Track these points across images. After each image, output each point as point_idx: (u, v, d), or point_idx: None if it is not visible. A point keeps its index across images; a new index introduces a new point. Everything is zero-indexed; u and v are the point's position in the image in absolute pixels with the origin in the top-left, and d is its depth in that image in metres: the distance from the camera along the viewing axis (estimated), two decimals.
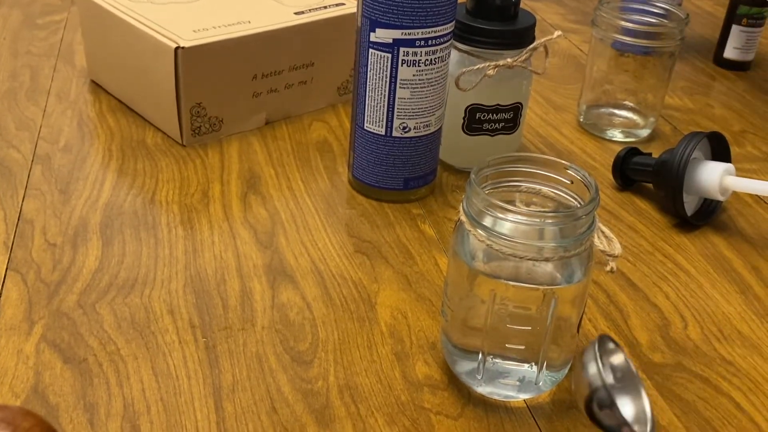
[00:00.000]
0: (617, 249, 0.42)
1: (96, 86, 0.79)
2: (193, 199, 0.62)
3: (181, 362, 0.47)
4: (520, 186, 0.45)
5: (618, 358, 0.40)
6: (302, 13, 0.73)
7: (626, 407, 0.38)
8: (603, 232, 0.43)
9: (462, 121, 0.66)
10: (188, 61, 0.65)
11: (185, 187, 0.64)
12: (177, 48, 0.65)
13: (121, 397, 0.45)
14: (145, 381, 0.46)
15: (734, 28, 0.93)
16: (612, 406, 0.36)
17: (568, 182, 0.44)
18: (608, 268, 0.42)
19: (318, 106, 0.77)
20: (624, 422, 0.36)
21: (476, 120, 0.66)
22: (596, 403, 0.37)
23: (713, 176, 0.61)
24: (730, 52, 0.94)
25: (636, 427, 0.36)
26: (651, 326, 0.53)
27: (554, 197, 0.44)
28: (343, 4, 0.76)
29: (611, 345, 0.40)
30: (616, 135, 0.76)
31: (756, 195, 0.68)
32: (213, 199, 0.63)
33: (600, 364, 0.37)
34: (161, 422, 0.43)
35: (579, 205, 0.43)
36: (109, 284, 0.53)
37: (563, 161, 0.44)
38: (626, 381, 0.39)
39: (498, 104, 0.65)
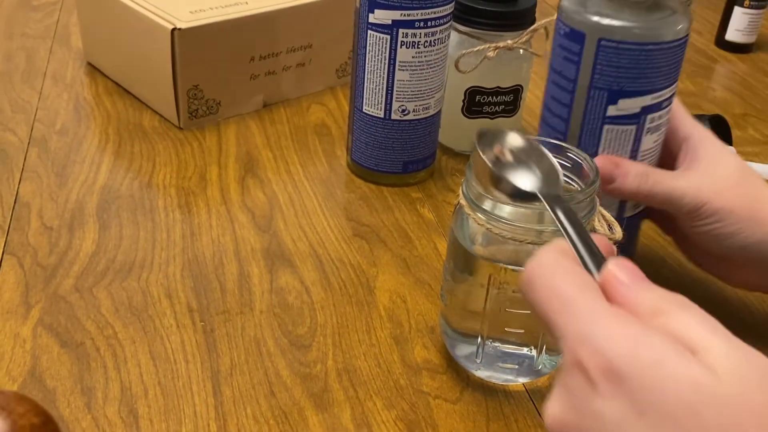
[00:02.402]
0: (618, 233, 0.42)
1: (92, 68, 0.78)
2: (190, 182, 0.62)
3: (179, 346, 0.47)
4: None
5: (511, 139, 0.39)
6: None
7: (533, 173, 0.37)
8: (603, 216, 0.43)
9: (462, 103, 0.65)
10: (185, 42, 0.65)
11: (182, 171, 0.63)
12: (173, 29, 0.64)
13: (119, 381, 0.44)
14: (142, 365, 0.46)
15: (736, 9, 0.92)
16: (505, 179, 0.37)
17: (569, 165, 0.43)
18: None
19: (316, 89, 0.77)
20: (518, 190, 0.36)
21: (476, 102, 0.65)
22: (494, 183, 0.37)
23: None
24: (732, 34, 0.93)
25: (544, 188, 0.36)
26: None
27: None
28: None
29: (507, 133, 0.39)
30: None
31: None
32: (210, 183, 0.62)
33: (481, 150, 0.37)
34: (159, 406, 0.43)
35: (579, 189, 0.42)
36: (106, 268, 0.53)
37: (564, 144, 0.43)
38: (527, 153, 0.38)
39: (498, 86, 0.64)
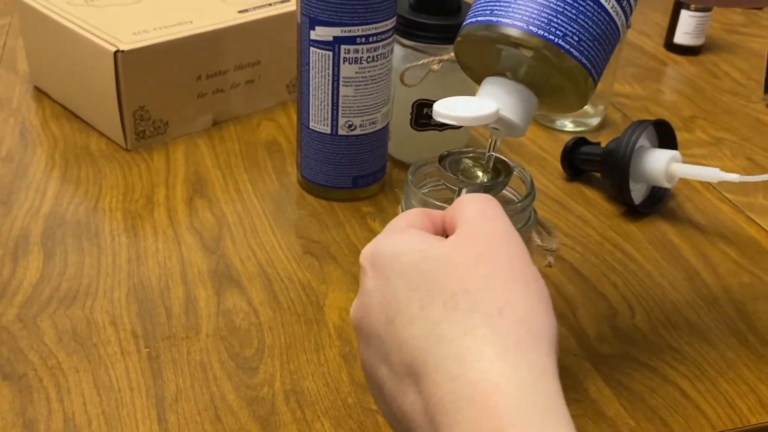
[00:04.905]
0: (554, 244, 0.42)
1: (39, 92, 0.77)
2: (137, 205, 0.61)
3: (123, 374, 0.46)
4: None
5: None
6: (246, 11, 0.72)
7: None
8: (542, 226, 0.43)
9: (410, 116, 0.65)
10: (129, 64, 0.64)
11: (129, 193, 0.63)
12: (116, 51, 0.63)
13: (62, 412, 0.44)
14: (86, 395, 0.45)
15: (683, 13, 0.93)
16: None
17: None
18: (546, 263, 0.42)
19: (267, 105, 0.76)
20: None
21: (423, 115, 0.65)
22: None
23: (659, 164, 0.61)
24: (680, 37, 0.94)
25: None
26: (599, 317, 0.53)
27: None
28: (288, 0, 0.75)
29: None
30: (567, 124, 0.76)
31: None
32: (158, 205, 0.61)
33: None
34: None
35: (516, 200, 0.42)
36: (50, 296, 0.52)
37: (498, 155, 0.43)
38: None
39: None
